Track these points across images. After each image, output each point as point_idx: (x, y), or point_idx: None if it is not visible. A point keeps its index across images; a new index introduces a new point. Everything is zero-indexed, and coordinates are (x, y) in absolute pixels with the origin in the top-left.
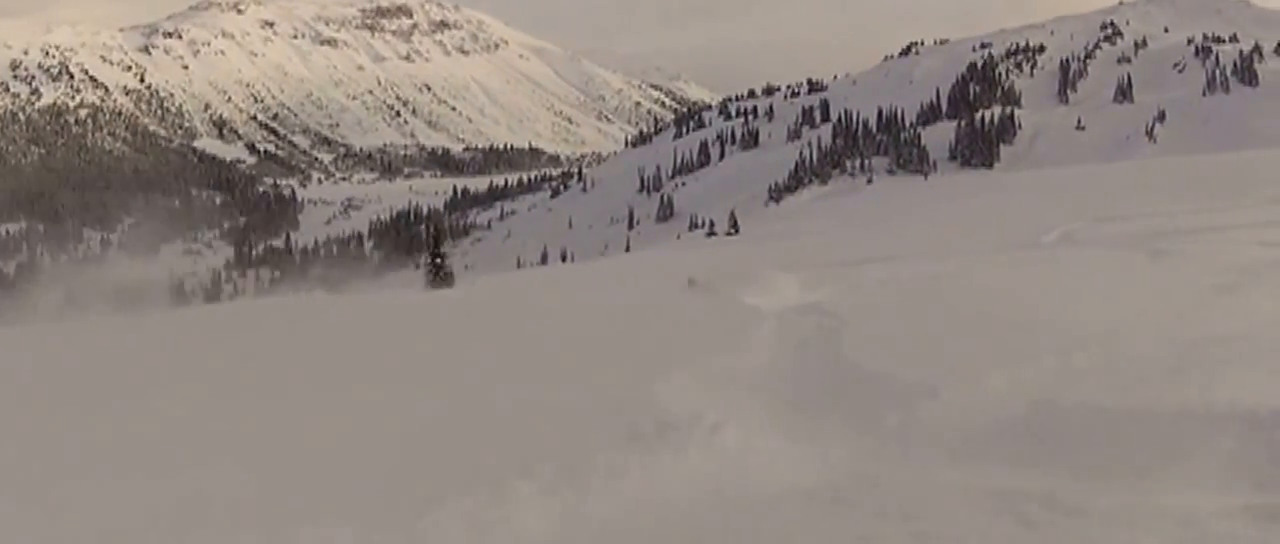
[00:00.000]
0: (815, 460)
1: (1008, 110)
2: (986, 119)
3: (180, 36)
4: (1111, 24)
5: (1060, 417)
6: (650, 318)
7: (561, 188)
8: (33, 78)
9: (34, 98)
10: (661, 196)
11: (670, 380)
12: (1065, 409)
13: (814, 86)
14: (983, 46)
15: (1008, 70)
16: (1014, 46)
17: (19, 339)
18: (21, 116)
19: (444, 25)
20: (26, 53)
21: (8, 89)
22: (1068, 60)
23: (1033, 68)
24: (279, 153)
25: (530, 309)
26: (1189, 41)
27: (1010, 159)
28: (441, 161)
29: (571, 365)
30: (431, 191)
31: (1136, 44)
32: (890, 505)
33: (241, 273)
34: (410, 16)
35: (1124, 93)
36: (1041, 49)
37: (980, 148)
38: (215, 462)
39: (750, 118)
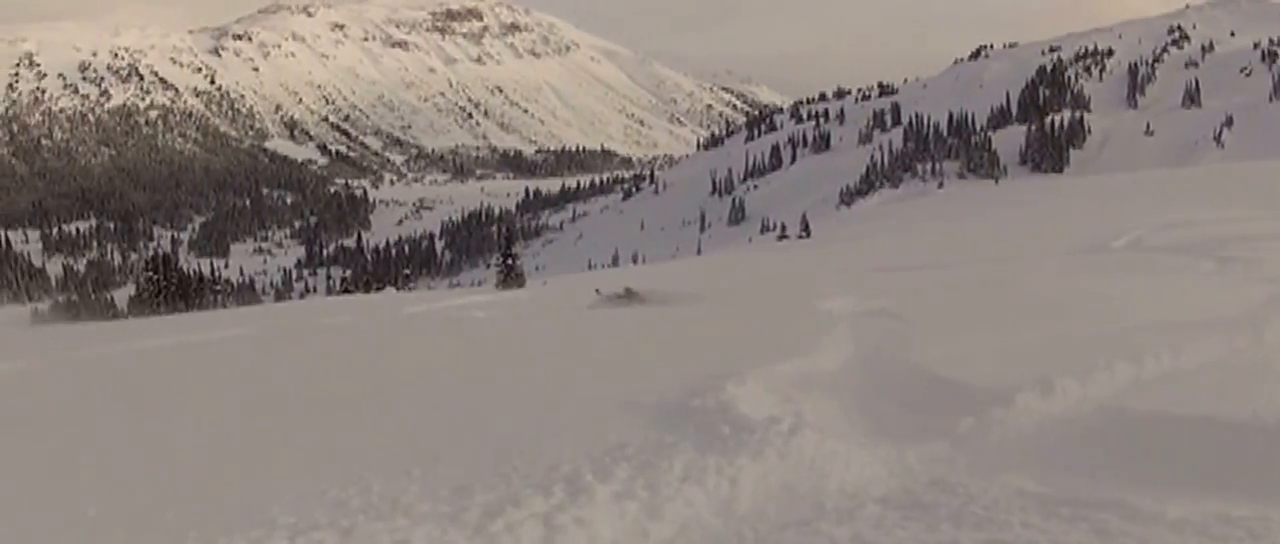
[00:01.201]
0: (890, 466)
1: (1077, 114)
2: (1056, 123)
3: (250, 39)
4: (1178, 28)
5: (1133, 425)
6: (721, 319)
7: (633, 190)
8: (102, 79)
9: (103, 99)
10: (733, 199)
11: (744, 383)
12: (1138, 417)
13: (884, 90)
14: (1052, 50)
15: (1077, 74)
16: (1082, 50)
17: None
18: (91, 117)
19: (515, 28)
20: (95, 55)
21: (76, 90)
22: (1136, 64)
23: (1101, 72)
24: (351, 154)
25: (601, 309)
26: (1255, 46)
27: (1079, 163)
28: (513, 163)
29: (645, 366)
30: (503, 193)
31: (1203, 48)
32: (965, 512)
33: (312, 272)
34: (480, 20)
35: (1192, 97)
36: (1110, 53)
37: (1050, 152)
38: (285, 459)
39: (821, 121)
